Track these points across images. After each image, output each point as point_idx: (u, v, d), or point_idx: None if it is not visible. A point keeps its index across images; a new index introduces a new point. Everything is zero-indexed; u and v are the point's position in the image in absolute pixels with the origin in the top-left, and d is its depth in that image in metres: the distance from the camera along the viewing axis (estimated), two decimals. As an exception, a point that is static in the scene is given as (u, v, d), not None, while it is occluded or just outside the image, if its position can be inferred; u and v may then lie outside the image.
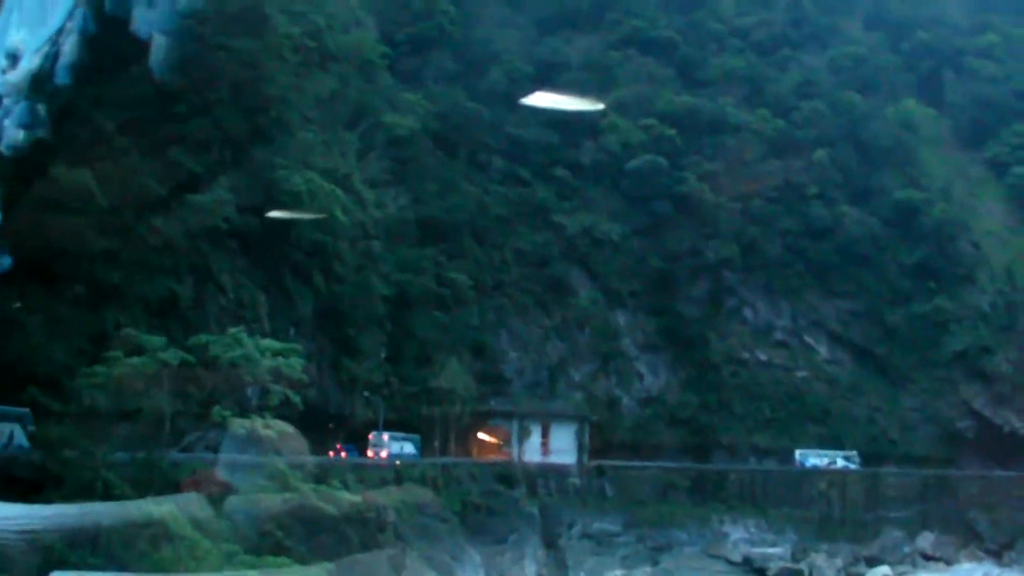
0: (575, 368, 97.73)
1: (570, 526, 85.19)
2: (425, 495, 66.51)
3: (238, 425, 45.03)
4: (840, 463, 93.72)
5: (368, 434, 73.12)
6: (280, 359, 50.32)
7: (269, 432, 46.52)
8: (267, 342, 51.48)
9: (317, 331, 67.13)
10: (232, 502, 41.96)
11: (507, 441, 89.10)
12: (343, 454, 68.09)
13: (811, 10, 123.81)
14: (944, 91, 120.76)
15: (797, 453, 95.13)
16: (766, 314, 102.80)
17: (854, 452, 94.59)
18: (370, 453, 71.73)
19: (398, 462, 70.43)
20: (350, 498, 46.39)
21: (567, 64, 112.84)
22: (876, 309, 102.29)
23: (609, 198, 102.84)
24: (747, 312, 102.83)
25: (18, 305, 43.17)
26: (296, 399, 50.82)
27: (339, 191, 66.36)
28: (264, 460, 44.68)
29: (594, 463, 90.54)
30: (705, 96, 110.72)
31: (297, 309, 66.07)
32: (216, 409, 46.61)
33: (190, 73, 55.66)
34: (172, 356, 46.00)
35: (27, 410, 43.77)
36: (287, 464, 45.75)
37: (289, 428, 49.21)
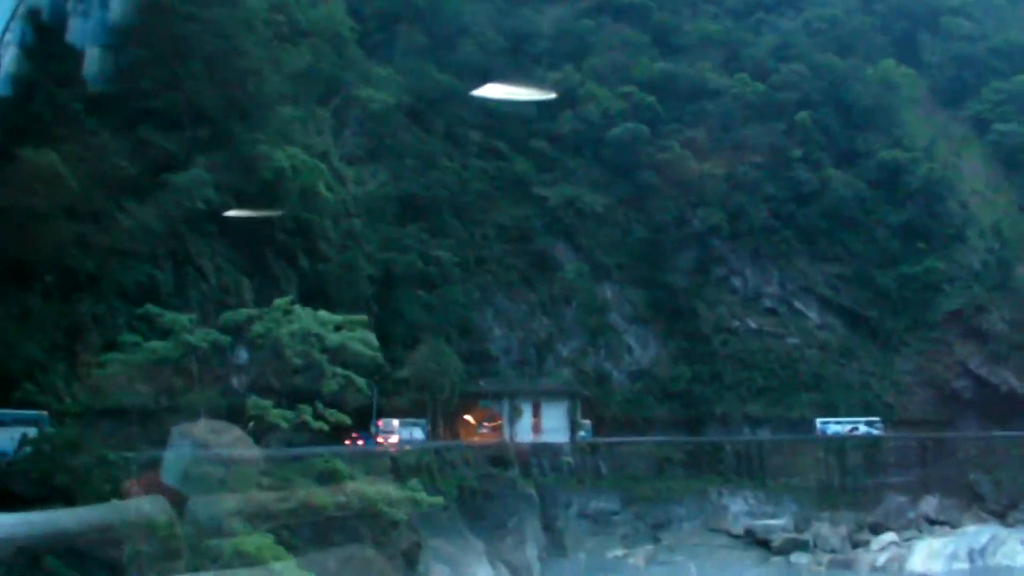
0: (563, 344, 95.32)
1: (567, 506, 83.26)
2: (422, 482, 63.59)
3: (278, 417, 39.82)
4: (863, 429, 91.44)
5: (376, 420, 69.84)
6: (344, 333, 45.18)
7: (322, 425, 41.33)
8: (323, 314, 45.63)
9: (304, 315, 63.95)
10: (195, 502, 35.92)
11: (496, 420, 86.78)
12: (359, 442, 65.14)
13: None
14: (921, 51, 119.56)
15: (818, 422, 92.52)
16: (755, 281, 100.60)
17: (877, 419, 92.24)
18: (380, 440, 68.55)
19: (408, 447, 67.55)
20: (359, 490, 42.61)
21: (539, 34, 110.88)
22: (866, 272, 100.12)
23: (591, 169, 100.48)
24: (735, 280, 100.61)
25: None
26: (362, 384, 45.70)
27: (322, 166, 63.34)
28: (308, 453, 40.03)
29: (587, 440, 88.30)
30: (683, 62, 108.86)
31: (283, 292, 62.79)
32: (252, 400, 41.19)
33: (156, 46, 52.77)
34: (201, 338, 41.37)
35: (44, 412, 39.36)
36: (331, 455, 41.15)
37: (347, 419, 44.12)
